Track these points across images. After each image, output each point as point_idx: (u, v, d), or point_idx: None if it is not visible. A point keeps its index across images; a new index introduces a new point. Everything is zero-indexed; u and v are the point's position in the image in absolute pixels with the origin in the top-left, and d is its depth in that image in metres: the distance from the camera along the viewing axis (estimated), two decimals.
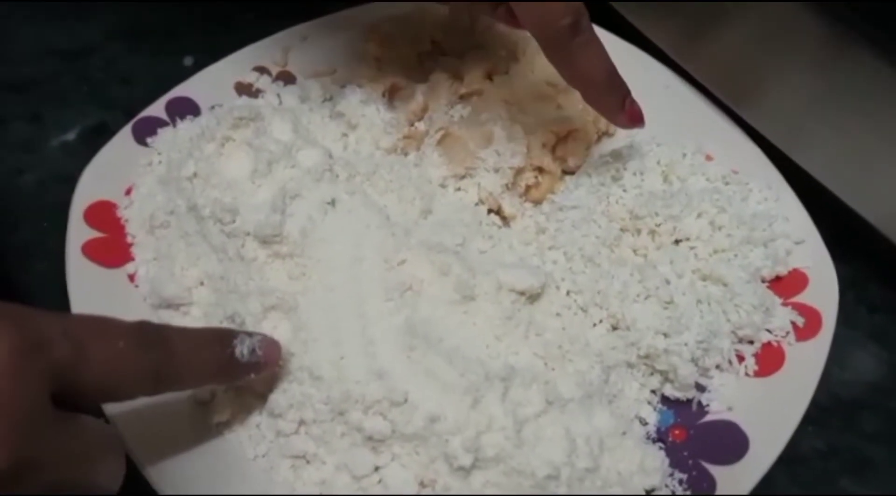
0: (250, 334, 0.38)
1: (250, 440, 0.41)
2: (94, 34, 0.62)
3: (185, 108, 0.53)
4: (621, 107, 0.46)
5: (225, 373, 0.37)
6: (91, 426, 0.32)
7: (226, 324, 0.42)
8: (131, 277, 0.46)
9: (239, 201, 0.44)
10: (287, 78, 0.56)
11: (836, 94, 0.49)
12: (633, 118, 0.47)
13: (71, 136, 0.57)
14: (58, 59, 0.61)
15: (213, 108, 0.53)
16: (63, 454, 0.29)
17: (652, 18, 0.56)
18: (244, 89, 0.55)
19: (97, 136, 0.52)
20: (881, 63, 0.45)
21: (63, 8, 0.63)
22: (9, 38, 0.62)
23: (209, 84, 0.54)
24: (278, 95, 0.54)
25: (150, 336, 0.33)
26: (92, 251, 0.46)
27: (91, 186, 0.48)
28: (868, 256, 0.52)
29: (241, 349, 0.37)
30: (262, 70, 0.56)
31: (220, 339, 0.37)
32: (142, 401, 0.40)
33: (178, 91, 0.53)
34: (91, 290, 0.45)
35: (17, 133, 0.57)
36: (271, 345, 0.39)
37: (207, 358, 0.36)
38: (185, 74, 0.54)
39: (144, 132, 0.51)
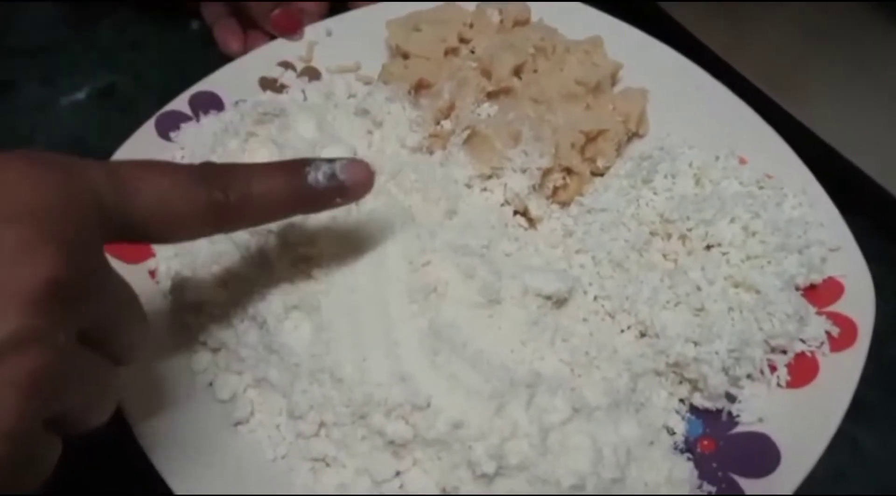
0: (330, 160, 0.35)
1: (270, 441, 0.41)
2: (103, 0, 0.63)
3: (209, 103, 0.52)
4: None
5: (299, 201, 0.34)
6: (130, 288, 0.31)
7: (247, 324, 0.42)
8: (152, 273, 0.46)
9: None
10: (312, 73, 0.55)
11: (882, 85, 0.48)
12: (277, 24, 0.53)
13: (80, 95, 0.57)
14: (68, 25, 0.61)
15: (237, 103, 0.52)
16: (108, 294, 0.29)
17: (697, 16, 0.55)
18: (268, 84, 0.54)
19: (106, 97, 0.52)
20: None
21: None
22: (22, 5, 0.63)
23: (233, 79, 0.54)
24: (303, 91, 0.54)
25: (207, 169, 0.32)
26: (114, 247, 0.45)
27: None
28: (868, 210, 0.51)
29: (316, 175, 0.34)
30: (286, 65, 0.55)
31: (291, 166, 0.34)
32: (157, 400, 0.40)
33: (202, 85, 0.53)
34: None
35: (30, 96, 0.58)
36: (356, 166, 0.35)
37: (275, 186, 0.33)
38: (191, 39, 0.54)
39: (168, 126, 0.50)
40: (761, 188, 0.48)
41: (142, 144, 0.49)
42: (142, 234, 0.31)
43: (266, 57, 0.55)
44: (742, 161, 0.50)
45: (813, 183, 0.49)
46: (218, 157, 0.46)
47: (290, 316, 0.41)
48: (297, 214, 0.37)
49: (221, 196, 0.31)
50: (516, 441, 0.38)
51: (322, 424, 0.40)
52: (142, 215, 0.30)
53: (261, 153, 0.45)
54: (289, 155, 0.45)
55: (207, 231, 0.32)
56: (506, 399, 0.38)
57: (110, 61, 0.60)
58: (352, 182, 0.35)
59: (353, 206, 0.45)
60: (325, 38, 0.57)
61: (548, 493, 0.37)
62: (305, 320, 0.41)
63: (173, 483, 0.38)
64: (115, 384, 0.30)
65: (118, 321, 0.30)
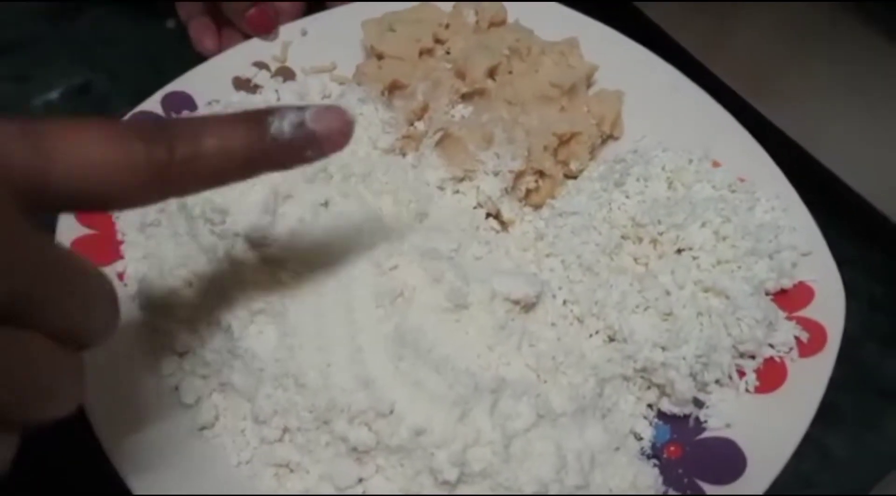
0: (300, 107, 0.30)
1: (234, 445, 0.41)
2: None
3: (182, 103, 0.52)
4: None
5: (261, 157, 0.29)
6: (83, 264, 0.26)
7: (213, 330, 0.41)
8: (120, 276, 0.45)
9: (230, 201, 0.43)
10: (286, 73, 0.55)
11: (859, 89, 0.48)
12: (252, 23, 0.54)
13: (54, 95, 0.57)
14: (44, 21, 0.61)
15: (209, 103, 0.52)
16: (33, 267, 0.23)
17: (674, 16, 0.55)
18: (242, 85, 0.54)
19: (80, 96, 0.51)
20: None
21: None
22: None
23: (207, 79, 0.53)
24: (276, 91, 0.53)
25: (147, 123, 0.28)
26: (82, 248, 0.45)
27: None
28: (842, 214, 0.51)
29: (281, 125, 0.29)
30: (260, 65, 0.55)
31: (251, 117, 0.29)
32: (122, 404, 0.40)
33: (176, 85, 0.52)
34: None
35: (2, 94, 0.58)
36: (330, 113, 0.30)
37: (231, 140, 0.28)
38: (166, 36, 0.54)
39: None
40: (733, 192, 0.48)
41: None
42: (69, 201, 0.26)
43: (240, 56, 0.55)
44: (715, 164, 0.50)
45: (787, 187, 0.49)
46: None
47: (255, 320, 0.41)
48: (261, 173, 0.31)
49: (164, 154, 0.27)
50: (479, 448, 0.38)
51: (286, 430, 0.39)
52: (63, 178, 0.25)
53: None
54: None
55: (152, 196, 0.28)
56: (469, 405, 0.38)
57: (85, 58, 0.59)
58: (326, 131, 0.30)
59: (321, 209, 0.44)
60: (300, 37, 0.56)
61: None
62: (270, 324, 0.41)
63: (136, 487, 0.38)
64: (70, 369, 0.26)
65: (56, 298, 0.24)
